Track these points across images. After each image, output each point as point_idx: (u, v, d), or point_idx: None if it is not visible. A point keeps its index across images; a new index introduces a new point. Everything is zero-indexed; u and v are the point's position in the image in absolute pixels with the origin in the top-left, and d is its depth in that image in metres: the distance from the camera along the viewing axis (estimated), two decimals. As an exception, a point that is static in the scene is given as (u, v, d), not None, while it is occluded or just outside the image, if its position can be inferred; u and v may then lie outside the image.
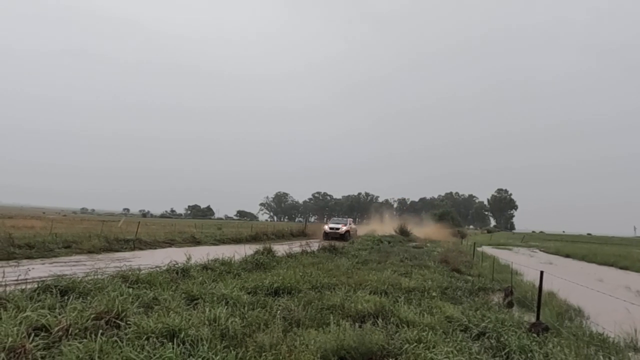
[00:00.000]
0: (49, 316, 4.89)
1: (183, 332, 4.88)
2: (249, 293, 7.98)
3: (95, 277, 7.42)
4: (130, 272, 8.01)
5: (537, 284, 7.99)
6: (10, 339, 4.08)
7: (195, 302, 6.93)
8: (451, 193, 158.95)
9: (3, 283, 6.08)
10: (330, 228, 33.86)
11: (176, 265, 9.33)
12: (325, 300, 7.76)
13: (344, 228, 33.98)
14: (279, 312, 6.36)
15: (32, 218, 41.02)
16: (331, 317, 6.39)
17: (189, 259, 10.12)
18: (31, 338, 4.34)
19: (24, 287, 6.56)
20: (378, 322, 6.47)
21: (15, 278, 7.12)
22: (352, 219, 43.87)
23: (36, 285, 6.58)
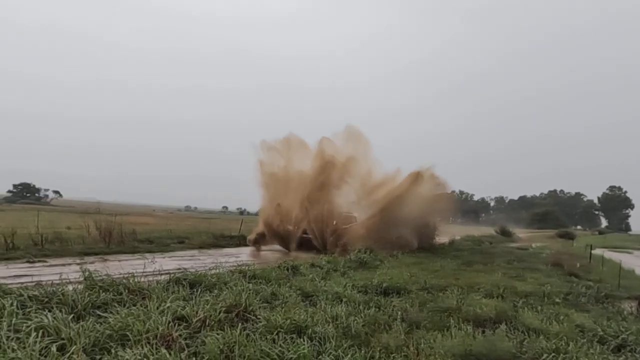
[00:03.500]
0: (187, 308, 5.23)
1: (310, 329, 4.96)
2: (359, 292, 7.97)
3: (217, 272, 7.85)
4: (247, 268, 8.40)
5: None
6: (161, 328, 4.41)
7: (310, 298, 7.08)
8: (555, 191, 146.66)
9: (143, 275, 6.63)
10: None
11: (286, 263, 9.60)
12: (439, 302, 7.52)
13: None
14: (399, 313, 6.24)
15: (144, 215, 44.98)
16: (451, 321, 6.16)
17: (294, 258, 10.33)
18: (175, 327, 4.67)
19: (157, 279, 7.12)
20: (500, 327, 6.13)
21: (151, 270, 7.75)
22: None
23: (168, 278, 7.11)
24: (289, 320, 5.07)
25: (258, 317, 5.30)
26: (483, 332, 5.81)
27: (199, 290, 6.62)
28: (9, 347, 3.50)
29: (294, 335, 4.79)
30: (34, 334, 3.85)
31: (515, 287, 9.60)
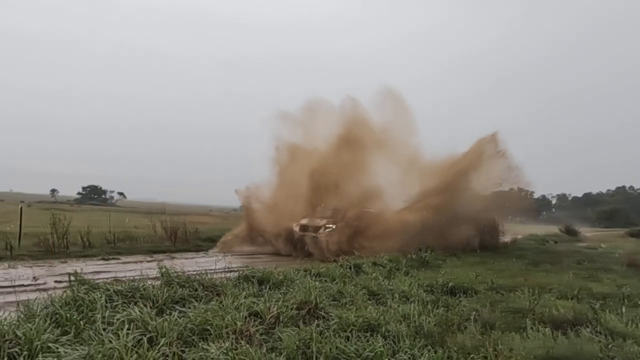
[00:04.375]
0: (260, 304, 5.35)
1: (383, 327, 4.94)
2: (425, 291, 7.84)
3: (283, 270, 7.98)
4: (311, 266, 8.49)
5: None
6: (239, 323, 4.55)
7: (376, 297, 7.05)
8: (623, 187, 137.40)
9: (214, 272, 6.86)
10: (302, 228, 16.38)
11: (349, 261, 9.61)
12: (510, 303, 7.26)
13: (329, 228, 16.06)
14: (473, 312, 6.08)
15: (203, 215, 46.58)
16: (527, 322, 5.91)
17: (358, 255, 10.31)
18: (250, 323, 4.79)
19: (227, 276, 7.35)
20: (580, 330, 5.81)
21: (222, 268, 8.00)
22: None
23: (236, 275, 7.31)
24: (361, 319, 5.06)
25: (330, 314, 5.32)
26: (564, 334, 5.54)
27: (267, 287, 6.77)
28: (106, 338, 3.72)
29: (367, 334, 4.78)
30: (126, 326, 4.07)
31: (590, 288, 9.08)
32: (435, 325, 5.51)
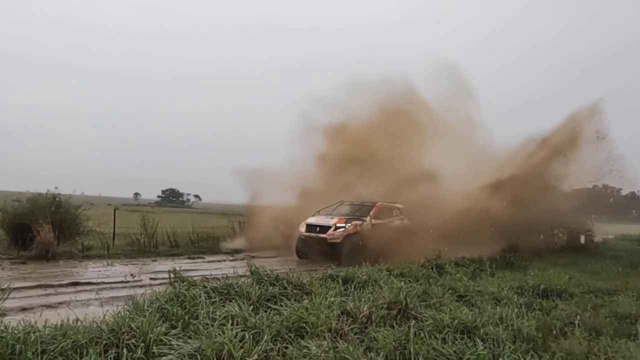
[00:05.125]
0: (351, 303, 5.36)
1: (480, 330, 4.75)
2: (515, 293, 7.48)
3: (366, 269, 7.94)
4: (393, 266, 8.40)
5: None
6: (334, 322, 4.58)
7: (463, 298, 6.82)
8: None
9: (299, 272, 6.97)
10: (309, 228, 13.86)
11: (431, 261, 9.39)
12: (613, 307, 6.73)
13: (340, 229, 13.22)
14: (575, 317, 5.70)
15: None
16: (638, 328, 5.44)
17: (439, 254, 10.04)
18: (343, 322, 4.81)
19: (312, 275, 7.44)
20: None
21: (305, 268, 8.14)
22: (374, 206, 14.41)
23: (321, 275, 7.39)
24: (456, 320, 4.91)
25: (423, 315, 5.21)
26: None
27: (352, 286, 6.77)
28: (213, 333, 3.90)
29: (463, 336, 4.63)
30: (229, 322, 4.24)
31: None
32: (535, 329, 5.22)
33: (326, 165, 16.56)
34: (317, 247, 13.07)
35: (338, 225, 13.23)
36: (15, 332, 3.75)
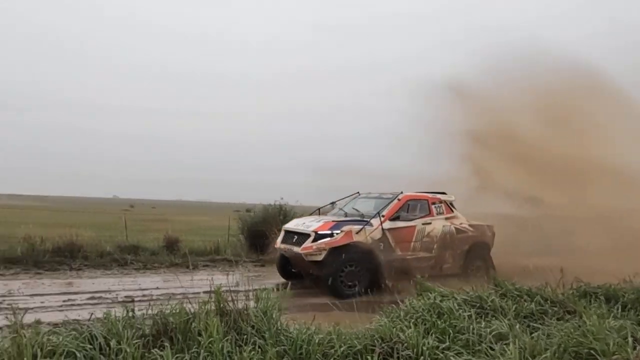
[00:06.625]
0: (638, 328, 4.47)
1: None
2: None
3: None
4: None
5: None
6: (631, 352, 3.82)
7: None
8: None
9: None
10: (286, 237, 9.31)
11: None
12: None
13: (323, 240, 8.19)
14: None
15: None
16: None
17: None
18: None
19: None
20: None
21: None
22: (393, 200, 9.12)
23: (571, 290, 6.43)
24: None
25: None
26: None
27: (617, 307, 5.67)
28: (496, 353, 3.60)
29: None
30: (500, 340, 3.90)
31: None
32: None
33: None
34: (301, 265, 8.91)
35: (320, 232, 8.35)
36: (301, 333, 3.99)
